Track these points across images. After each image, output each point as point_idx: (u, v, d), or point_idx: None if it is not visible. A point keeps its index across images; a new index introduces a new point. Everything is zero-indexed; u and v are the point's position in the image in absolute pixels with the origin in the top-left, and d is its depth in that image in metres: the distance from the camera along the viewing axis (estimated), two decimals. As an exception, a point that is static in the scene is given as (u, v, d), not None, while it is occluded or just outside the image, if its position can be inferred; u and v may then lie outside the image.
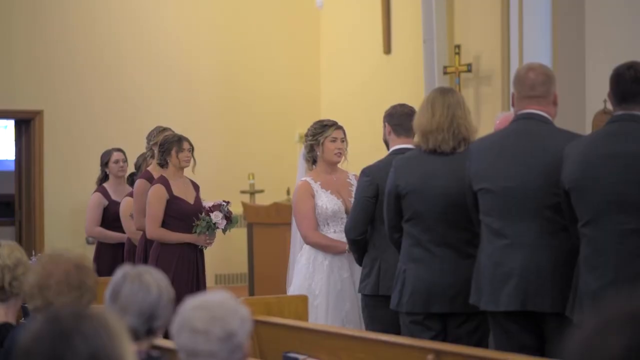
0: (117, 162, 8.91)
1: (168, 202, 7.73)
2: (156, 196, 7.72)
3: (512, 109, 5.13)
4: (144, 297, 3.49)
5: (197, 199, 7.89)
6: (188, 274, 7.73)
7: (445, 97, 5.34)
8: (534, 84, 4.94)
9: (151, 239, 7.81)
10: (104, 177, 8.98)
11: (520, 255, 4.79)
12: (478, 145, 5.10)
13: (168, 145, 7.78)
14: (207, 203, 7.85)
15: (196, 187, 7.97)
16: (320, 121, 6.78)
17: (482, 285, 4.91)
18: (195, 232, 7.74)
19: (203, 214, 7.76)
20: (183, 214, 7.74)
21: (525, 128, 4.92)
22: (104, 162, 8.97)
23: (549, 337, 4.81)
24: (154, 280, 3.54)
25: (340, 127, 6.67)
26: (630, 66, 4.64)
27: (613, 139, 4.58)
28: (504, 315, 4.86)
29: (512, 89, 5.09)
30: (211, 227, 7.75)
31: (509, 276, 4.80)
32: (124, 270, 3.57)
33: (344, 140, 6.66)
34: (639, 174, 4.47)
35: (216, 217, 7.75)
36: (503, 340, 4.90)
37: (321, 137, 6.61)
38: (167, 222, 7.73)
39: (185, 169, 7.88)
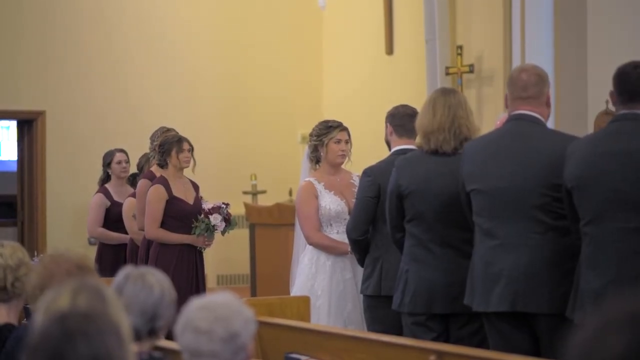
0: (119, 162, 8.91)
1: (167, 202, 7.73)
2: (155, 196, 7.73)
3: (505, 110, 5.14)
4: (147, 297, 3.50)
5: (197, 199, 7.90)
6: (187, 274, 7.73)
7: (446, 98, 5.35)
8: (526, 85, 4.93)
9: (150, 239, 7.82)
10: (106, 178, 8.98)
11: (510, 255, 4.80)
12: (471, 146, 5.10)
13: (168, 146, 7.79)
14: (207, 205, 7.85)
15: (196, 187, 7.97)
16: (326, 122, 6.76)
17: (475, 285, 4.92)
18: (194, 233, 7.75)
19: (202, 215, 7.76)
20: (182, 214, 7.75)
21: (517, 129, 4.93)
22: (107, 163, 8.98)
23: (541, 337, 4.82)
24: (156, 280, 3.55)
25: (345, 129, 6.66)
26: (636, 65, 4.63)
27: (616, 137, 4.57)
28: (496, 316, 4.87)
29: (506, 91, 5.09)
30: (210, 229, 7.75)
31: (499, 276, 4.81)
32: (127, 271, 3.59)
33: (348, 141, 6.65)
34: (640, 172, 4.48)
35: (215, 219, 7.75)
36: (497, 340, 4.90)
37: (325, 138, 6.60)
38: (167, 223, 7.74)
39: (185, 169, 7.89)
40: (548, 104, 5.00)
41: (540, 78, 4.97)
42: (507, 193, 4.82)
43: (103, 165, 9.02)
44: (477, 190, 4.93)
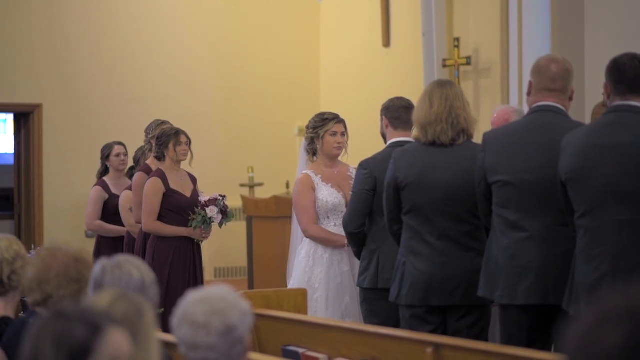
0: (118, 155, 8.91)
1: (165, 195, 7.73)
2: (152, 189, 7.72)
3: (526, 98, 5.09)
4: (128, 284, 3.50)
5: (194, 191, 7.89)
6: (185, 267, 7.73)
7: (443, 89, 5.34)
8: (555, 78, 4.90)
9: (147, 232, 7.82)
10: (104, 171, 8.97)
11: (540, 248, 4.77)
12: (494, 136, 5.05)
13: (165, 139, 7.78)
14: (203, 197, 7.85)
15: (194, 180, 7.97)
16: (322, 114, 6.76)
17: (496, 278, 4.87)
18: (191, 225, 7.75)
19: (199, 208, 7.76)
20: (179, 207, 7.75)
21: (542, 120, 4.89)
22: (105, 156, 8.96)
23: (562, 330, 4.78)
24: (132, 265, 3.56)
25: (341, 121, 6.66)
26: (634, 57, 4.60)
27: (610, 129, 4.55)
28: (519, 309, 4.84)
29: (530, 78, 5.04)
30: (207, 222, 7.75)
31: (527, 269, 4.78)
32: (102, 264, 3.58)
33: (344, 133, 6.65)
34: (635, 164, 4.45)
35: (212, 211, 7.74)
36: (514, 333, 4.87)
37: (321, 131, 6.60)
38: (164, 215, 7.74)
39: (182, 162, 7.88)
40: (571, 98, 4.98)
41: (568, 72, 4.94)
42: (536, 186, 4.79)
43: (101, 158, 9.00)
44: (502, 182, 4.89)
